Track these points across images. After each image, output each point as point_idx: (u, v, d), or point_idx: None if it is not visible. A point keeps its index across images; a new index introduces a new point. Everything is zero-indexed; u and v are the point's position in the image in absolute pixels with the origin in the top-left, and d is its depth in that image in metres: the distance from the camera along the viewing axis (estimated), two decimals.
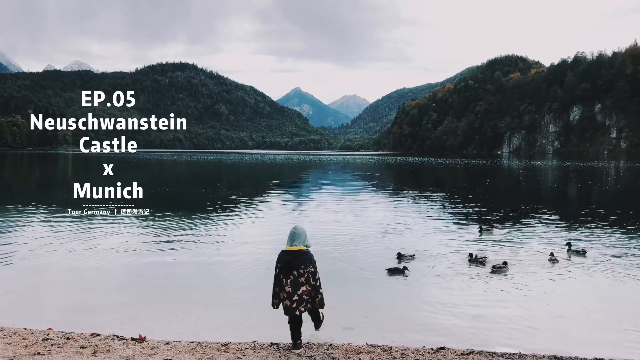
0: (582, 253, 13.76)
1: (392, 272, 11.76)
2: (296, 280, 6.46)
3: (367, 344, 7.18)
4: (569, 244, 14.41)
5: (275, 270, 6.64)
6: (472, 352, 6.87)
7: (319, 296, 6.61)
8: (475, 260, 12.76)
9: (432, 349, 7.02)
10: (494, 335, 7.89)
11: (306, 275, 6.46)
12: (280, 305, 6.71)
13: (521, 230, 18.18)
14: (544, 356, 6.77)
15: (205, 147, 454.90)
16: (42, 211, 21.91)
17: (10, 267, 12.13)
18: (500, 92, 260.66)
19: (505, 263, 12.14)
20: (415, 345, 7.19)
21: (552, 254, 13.28)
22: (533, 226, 19.14)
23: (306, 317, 6.89)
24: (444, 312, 9.01)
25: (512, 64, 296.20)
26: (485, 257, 12.85)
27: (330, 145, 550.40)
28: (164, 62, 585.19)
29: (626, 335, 7.99)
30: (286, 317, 6.79)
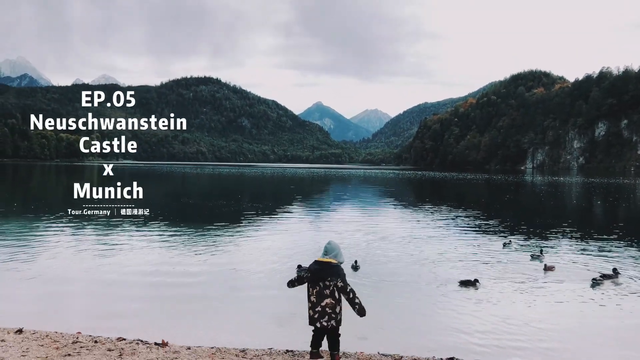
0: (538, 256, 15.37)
1: (464, 283, 12.06)
2: (321, 292, 6.49)
3: (378, 353, 7.45)
4: (540, 250, 16.02)
5: (301, 275, 6.87)
6: None
7: (356, 306, 6.55)
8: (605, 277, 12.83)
9: (442, 359, 7.26)
10: (502, 345, 8.08)
11: (332, 288, 6.47)
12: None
13: (538, 244, 18.18)
14: None
15: (228, 160, 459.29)
16: (67, 220, 22.60)
17: (38, 274, 12.67)
18: (523, 107, 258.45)
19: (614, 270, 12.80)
20: (426, 355, 7.43)
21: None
22: (548, 241, 19.13)
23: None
24: (457, 323, 9.22)
25: (535, 79, 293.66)
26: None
27: (351, 159, 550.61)
28: (189, 77, 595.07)
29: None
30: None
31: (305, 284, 6.74)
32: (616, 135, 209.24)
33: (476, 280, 12.11)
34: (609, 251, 17.15)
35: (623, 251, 17.24)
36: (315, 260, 6.72)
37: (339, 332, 6.78)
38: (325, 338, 6.82)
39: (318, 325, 6.61)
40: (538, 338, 8.54)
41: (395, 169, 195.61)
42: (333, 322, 6.58)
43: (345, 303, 6.64)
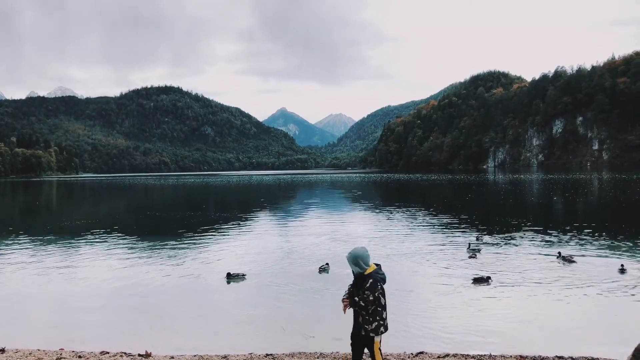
0: (473, 253, 16.66)
1: (477, 281, 12.67)
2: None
3: None
4: (468, 244, 17.84)
5: (380, 293, 6.13)
6: (447, 355, 7.61)
7: None
8: (565, 260, 14.93)
9: (412, 353, 7.75)
10: (467, 339, 8.63)
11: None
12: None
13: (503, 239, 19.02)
14: (511, 356, 7.53)
15: (192, 169, 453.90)
16: (32, 237, 22.33)
17: (9, 293, 12.65)
18: (483, 108, 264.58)
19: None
20: (397, 351, 7.90)
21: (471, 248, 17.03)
22: (507, 240, 20.01)
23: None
24: (423, 320, 9.75)
25: (494, 79, 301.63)
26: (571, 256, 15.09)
27: (317, 164, 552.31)
28: (149, 86, 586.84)
29: (586, 335, 8.80)
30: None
31: (382, 297, 6.16)
32: (572, 132, 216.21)
33: (489, 278, 12.74)
34: (563, 242, 18.09)
35: (581, 243, 18.21)
36: (378, 269, 6.28)
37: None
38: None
39: None
40: (504, 331, 9.12)
41: (361, 173, 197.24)
42: None
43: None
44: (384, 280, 6.16)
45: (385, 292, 6.14)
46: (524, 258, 15.87)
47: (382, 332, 6.20)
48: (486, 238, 20.09)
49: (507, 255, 16.39)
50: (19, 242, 21.70)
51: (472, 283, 12.62)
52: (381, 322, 6.14)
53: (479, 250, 17.03)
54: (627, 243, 18.30)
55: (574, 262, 14.84)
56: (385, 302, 6.12)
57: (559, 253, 15.72)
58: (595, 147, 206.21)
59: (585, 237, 19.78)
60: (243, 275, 13.87)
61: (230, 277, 13.64)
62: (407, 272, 14.32)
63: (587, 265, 14.43)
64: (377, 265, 6.25)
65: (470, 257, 16.25)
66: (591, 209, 34.99)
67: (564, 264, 14.76)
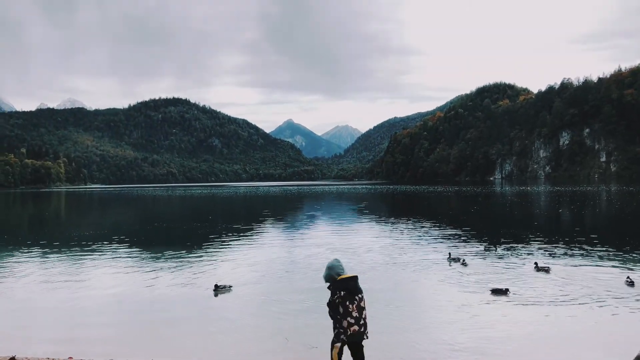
0: (462, 261, 17.27)
1: (496, 292, 12.79)
2: (359, 305, 6.52)
3: None
4: (449, 254, 18.53)
5: (335, 300, 6.56)
6: None
7: None
8: (540, 269, 15.50)
9: None
10: (468, 353, 8.73)
11: (363, 299, 6.61)
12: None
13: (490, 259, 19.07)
14: None
15: (199, 180, 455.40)
16: (48, 247, 22.62)
17: (19, 303, 12.88)
18: (490, 119, 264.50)
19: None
20: None
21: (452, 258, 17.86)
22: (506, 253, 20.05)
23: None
24: (425, 333, 9.86)
25: (500, 91, 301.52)
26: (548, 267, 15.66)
27: (324, 175, 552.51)
28: (157, 98, 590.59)
29: (594, 349, 8.89)
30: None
31: (337, 303, 6.56)
32: (579, 144, 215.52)
33: (507, 290, 12.79)
34: (568, 254, 18.12)
35: (583, 256, 18.23)
36: (347, 278, 6.64)
37: None
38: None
39: (365, 337, 6.60)
40: (508, 345, 9.20)
41: (367, 184, 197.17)
42: (367, 331, 6.66)
43: None
44: (348, 290, 6.48)
45: (359, 306, 6.49)
46: (529, 270, 15.89)
47: (343, 340, 6.51)
48: (491, 249, 20.20)
49: (513, 267, 16.43)
50: (29, 252, 22.00)
51: (491, 294, 12.70)
52: (341, 330, 6.52)
53: (458, 259, 17.55)
54: (634, 255, 18.30)
55: (545, 270, 15.42)
56: (350, 311, 6.46)
57: (536, 263, 16.12)
58: (603, 158, 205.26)
59: (591, 250, 19.78)
60: (230, 287, 14.02)
61: (218, 289, 13.77)
62: (409, 283, 14.42)
63: (593, 278, 14.43)
64: (354, 276, 6.69)
65: (462, 264, 16.99)
66: (598, 221, 34.93)
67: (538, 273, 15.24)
